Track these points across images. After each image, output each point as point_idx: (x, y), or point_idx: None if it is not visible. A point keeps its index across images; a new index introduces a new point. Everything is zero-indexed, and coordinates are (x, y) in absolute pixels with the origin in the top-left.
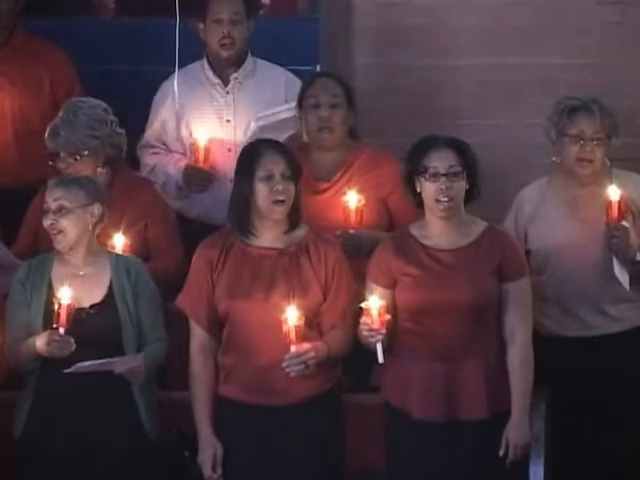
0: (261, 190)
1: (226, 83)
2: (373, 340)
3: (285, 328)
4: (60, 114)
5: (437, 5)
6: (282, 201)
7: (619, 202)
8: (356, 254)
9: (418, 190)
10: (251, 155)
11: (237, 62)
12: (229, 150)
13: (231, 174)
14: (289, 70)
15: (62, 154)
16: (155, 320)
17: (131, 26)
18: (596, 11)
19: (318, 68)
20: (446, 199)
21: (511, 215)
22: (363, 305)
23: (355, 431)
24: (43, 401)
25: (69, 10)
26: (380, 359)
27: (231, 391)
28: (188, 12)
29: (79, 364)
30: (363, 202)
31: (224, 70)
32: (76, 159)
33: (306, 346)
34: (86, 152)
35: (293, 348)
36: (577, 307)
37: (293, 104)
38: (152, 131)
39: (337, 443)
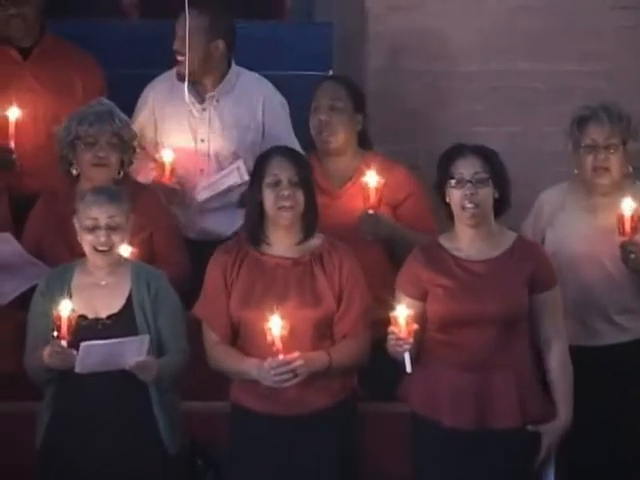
0: (268, 196)
1: (203, 100)
2: (400, 350)
3: (269, 338)
4: (97, 108)
5: (450, 10)
6: (289, 207)
7: (632, 216)
8: (374, 236)
9: (447, 200)
10: (261, 162)
11: (200, 78)
12: (201, 171)
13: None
14: (302, 75)
15: (102, 142)
16: (176, 332)
17: (155, 29)
18: (610, 16)
19: (331, 73)
20: (471, 205)
21: (530, 217)
22: (390, 314)
23: (371, 441)
24: (62, 411)
25: (94, 12)
26: (408, 369)
27: (245, 400)
28: None
29: (88, 343)
30: (383, 182)
31: (201, 86)
32: (106, 155)
33: (294, 355)
34: (124, 145)
35: (280, 357)
36: (586, 315)
37: (241, 165)
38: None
39: (352, 453)
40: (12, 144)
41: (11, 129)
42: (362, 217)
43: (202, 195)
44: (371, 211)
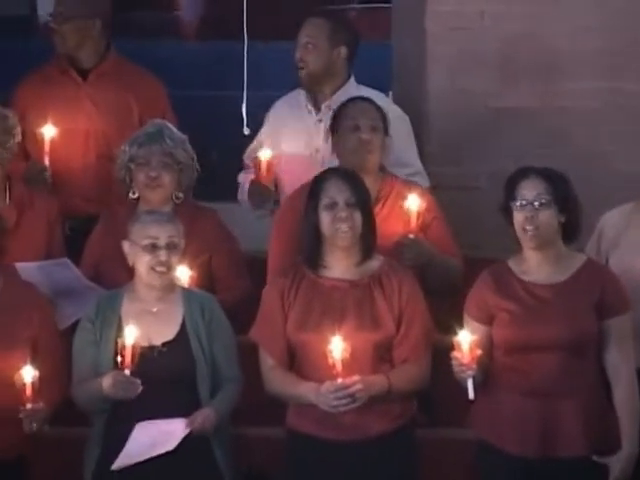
0: (325, 218)
1: (319, 109)
2: (464, 375)
3: (330, 360)
4: (148, 129)
5: (510, 30)
6: (346, 229)
7: (418, 212)
8: (415, 261)
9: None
10: (317, 184)
11: (319, 85)
12: None
13: None
14: None
15: (153, 162)
16: (230, 358)
17: (208, 50)
18: None
19: (390, 94)
20: (531, 228)
21: (593, 239)
22: (454, 339)
23: (430, 468)
24: (115, 444)
25: (153, 32)
26: (470, 395)
27: (302, 425)
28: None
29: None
30: (424, 206)
31: (320, 95)
32: (158, 175)
33: (353, 378)
34: (179, 166)
35: (339, 380)
36: None
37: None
38: (250, 150)
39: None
40: (46, 161)
41: (46, 147)
42: (404, 242)
43: None
44: (412, 236)
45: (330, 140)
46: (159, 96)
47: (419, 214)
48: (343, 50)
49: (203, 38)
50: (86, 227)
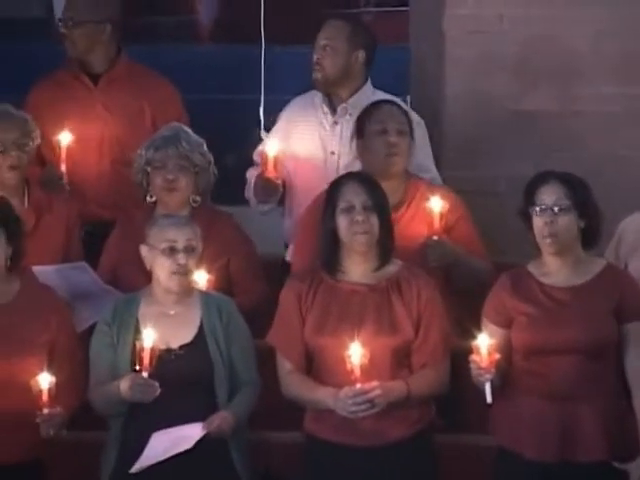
0: (342, 222)
1: (335, 112)
2: (482, 379)
3: (349, 366)
4: (164, 132)
5: (528, 34)
6: (363, 232)
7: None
8: (439, 262)
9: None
10: (334, 188)
11: (336, 88)
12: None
13: None
14: None
15: (170, 165)
16: (248, 361)
17: (224, 54)
18: None
19: (408, 98)
20: (550, 233)
21: (612, 245)
22: (472, 343)
23: (448, 474)
24: (131, 450)
25: (166, 37)
26: (488, 399)
27: (320, 430)
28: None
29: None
30: (447, 207)
31: (337, 98)
32: (175, 178)
33: (372, 384)
34: (196, 169)
35: (358, 386)
36: None
37: None
38: (260, 147)
39: None
40: (63, 168)
41: (62, 154)
42: (427, 243)
43: None
44: (436, 237)
45: (354, 144)
46: (172, 99)
47: (442, 215)
48: (361, 54)
49: (219, 41)
50: (101, 232)
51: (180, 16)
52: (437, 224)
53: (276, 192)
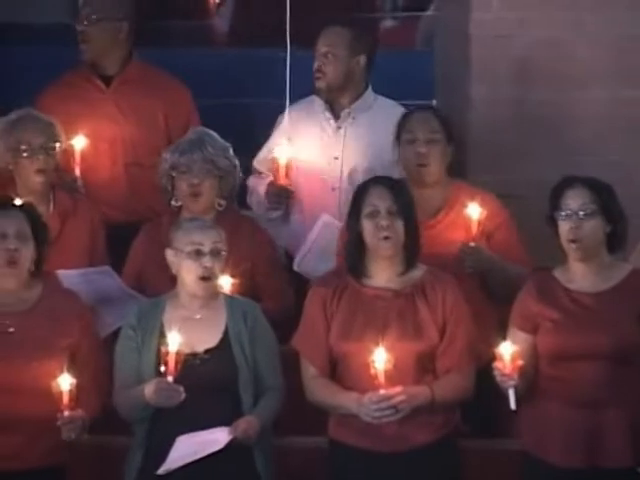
0: (367, 227)
1: (338, 117)
2: (505, 386)
3: (373, 371)
4: (189, 136)
5: (555, 38)
6: (387, 237)
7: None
8: (475, 268)
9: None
10: (359, 193)
11: (338, 94)
12: (333, 189)
13: (331, 212)
14: (403, 105)
15: (195, 169)
16: (272, 366)
17: (242, 57)
18: None
19: (434, 102)
20: (576, 238)
21: (637, 249)
22: (495, 350)
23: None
24: (155, 455)
25: (182, 41)
26: (512, 406)
27: (344, 435)
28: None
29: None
30: (485, 214)
31: (338, 104)
32: (200, 182)
33: (396, 389)
34: (220, 172)
35: (381, 391)
36: None
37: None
38: (262, 155)
39: None
40: (77, 172)
41: (77, 157)
42: (464, 249)
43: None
44: (472, 243)
45: (358, 148)
46: (184, 101)
47: (479, 222)
48: (362, 59)
49: (241, 45)
50: (116, 234)
51: (199, 20)
52: (474, 230)
53: (288, 198)
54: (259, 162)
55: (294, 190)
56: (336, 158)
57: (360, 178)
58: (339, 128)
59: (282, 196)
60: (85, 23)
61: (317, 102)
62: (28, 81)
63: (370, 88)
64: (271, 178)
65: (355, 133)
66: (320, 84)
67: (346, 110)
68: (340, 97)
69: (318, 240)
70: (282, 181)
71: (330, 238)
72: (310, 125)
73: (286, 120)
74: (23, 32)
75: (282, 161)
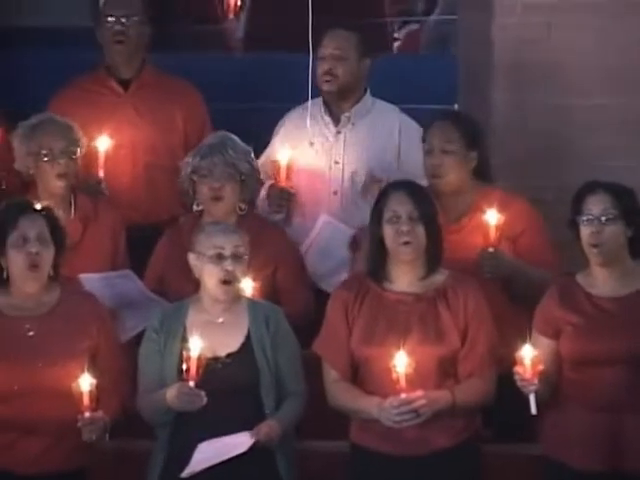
0: (388, 232)
1: (338, 122)
2: (526, 391)
3: (394, 375)
4: (211, 140)
5: (578, 43)
6: (408, 242)
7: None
8: (494, 274)
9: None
10: (380, 198)
11: (343, 98)
12: (335, 193)
13: (333, 216)
14: (427, 109)
15: (216, 173)
16: (294, 370)
17: (259, 62)
18: None
19: (456, 107)
20: (597, 243)
21: None
22: (516, 354)
23: None
24: (178, 459)
25: (197, 46)
26: (533, 410)
27: (365, 439)
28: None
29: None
30: (503, 220)
31: (338, 108)
32: (221, 186)
33: (417, 394)
34: (242, 176)
35: (403, 395)
36: None
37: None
38: (261, 161)
39: None
40: (101, 174)
41: (100, 159)
42: (482, 255)
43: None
44: (491, 249)
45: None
46: (199, 104)
47: (497, 227)
48: (367, 62)
49: (260, 49)
50: (135, 236)
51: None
52: (492, 236)
53: (290, 201)
54: (260, 166)
55: (295, 192)
56: (337, 162)
57: (361, 182)
58: (339, 132)
59: (283, 198)
60: (124, 21)
61: (315, 106)
62: (39, 84)
63: (368, 92)
64: (272, 181)
65: (355, 137)
66: (331, 87)
67: (346, 114)
68: (342, 100)
69: (318, 239)
70: (283, 183)
71: (329, 237)
72: (311, 130)
73: (281, 128)
74: (33, 35)
75: (283, 163)
